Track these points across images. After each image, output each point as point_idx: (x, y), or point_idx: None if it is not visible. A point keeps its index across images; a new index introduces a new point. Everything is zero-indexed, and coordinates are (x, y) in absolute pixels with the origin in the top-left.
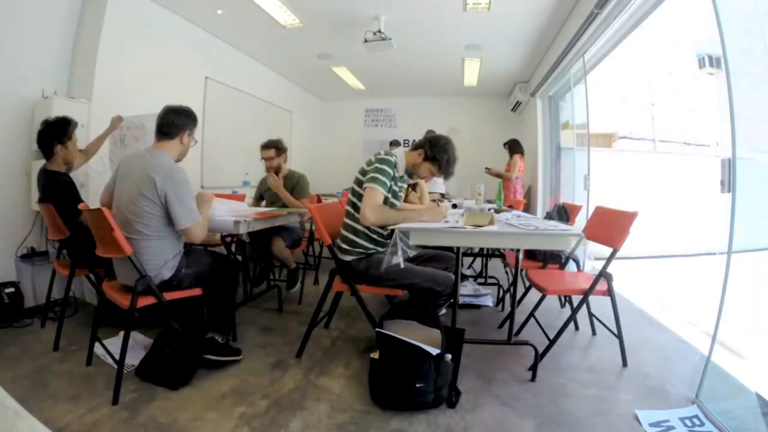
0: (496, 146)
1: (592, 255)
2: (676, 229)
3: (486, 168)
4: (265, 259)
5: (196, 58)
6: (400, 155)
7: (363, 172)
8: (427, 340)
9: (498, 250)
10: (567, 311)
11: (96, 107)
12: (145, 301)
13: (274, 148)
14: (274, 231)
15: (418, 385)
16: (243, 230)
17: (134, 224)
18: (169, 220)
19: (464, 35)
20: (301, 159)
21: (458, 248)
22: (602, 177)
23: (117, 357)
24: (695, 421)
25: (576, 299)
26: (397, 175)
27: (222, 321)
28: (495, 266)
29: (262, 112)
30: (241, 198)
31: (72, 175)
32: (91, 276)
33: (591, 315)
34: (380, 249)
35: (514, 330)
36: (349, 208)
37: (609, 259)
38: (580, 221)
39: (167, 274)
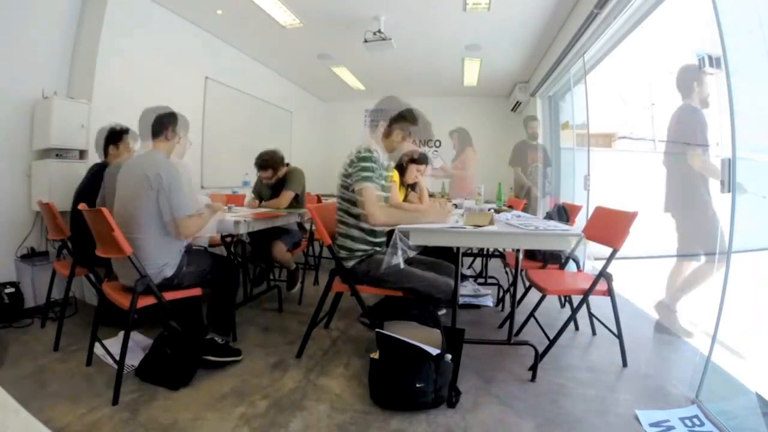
0: (496, 146)
1: (592, 255)
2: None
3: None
4: (266, 262)
5: (196, 58)
6: (375, 147)
7: (347, 175)
8: (427, 340)
9: (498, 250)
10: (567, 311)
11: (96, 107)
12: (145, 302)
13: (271, 168)
14: (275, 235)
15: (418, 385)
16: (243, 230)
17: (137, 223)
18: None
19: (464, 35)
20: (301, 159)
21: (458, 248)
22: (602, 177)
23: (117, 357)
24: (695, 421)
25: (576, 299)
26: (378, 168)
27: (222, 322)
28: (495, 266)
29: (262, 112)
30: (241, 198)
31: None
32: (91, 276)
33: (591, 315)
34: (378, 249)
35: (514, 330)
36: (340, 214)
37: (609, 259)
38: (580, 221)
39: (169, 272)
